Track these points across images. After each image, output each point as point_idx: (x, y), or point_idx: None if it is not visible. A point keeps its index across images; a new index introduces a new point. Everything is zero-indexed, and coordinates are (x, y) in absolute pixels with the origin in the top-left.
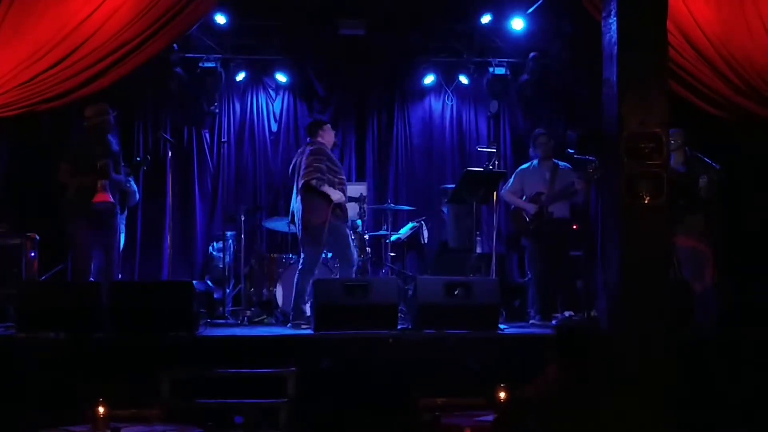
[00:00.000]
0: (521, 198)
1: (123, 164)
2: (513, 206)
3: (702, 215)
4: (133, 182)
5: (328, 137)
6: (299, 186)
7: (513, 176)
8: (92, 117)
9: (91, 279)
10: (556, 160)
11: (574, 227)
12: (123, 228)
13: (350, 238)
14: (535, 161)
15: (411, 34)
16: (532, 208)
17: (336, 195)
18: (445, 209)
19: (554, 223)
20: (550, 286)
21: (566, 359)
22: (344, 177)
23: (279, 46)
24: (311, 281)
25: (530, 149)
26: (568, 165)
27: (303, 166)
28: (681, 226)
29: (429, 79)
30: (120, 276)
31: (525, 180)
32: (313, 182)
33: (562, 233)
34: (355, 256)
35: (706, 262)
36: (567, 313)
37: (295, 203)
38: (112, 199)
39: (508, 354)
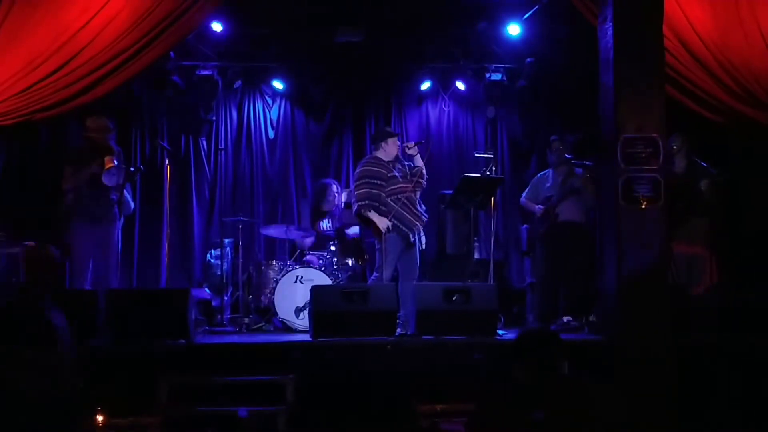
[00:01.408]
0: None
1: None
2: (528, 211)
3: (704, 219)
4: (126, 192)
5: (391, 149)
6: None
7: (530, 183)
8: (93, 130)
9: (88, 287)
10: (575, 168)
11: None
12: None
13: (394, 255)
14: (551, 167)
15: (407, 40)
16: (539, 209)
17: (382, 224)
18: (443, 215)
19: (560, 225)
20: (552, 290)
21: (528, 361)
22: (399, 185)
23: (275, 54)
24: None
25: (548, 155)
26: (581, 171)
27: (352, 189)
28: (683, 230)
29: (426, 85)
30: (117, 284)
31: (539, 185)
32: (362, 211)
33: (568, 237)
34: (387, 274)
35: (706, 267)
36: (566, 319)
37: None
38: (117, 163)
39: (506, 360)
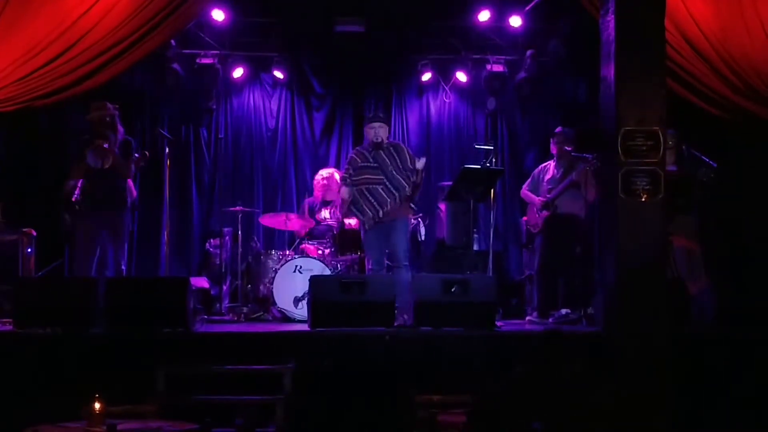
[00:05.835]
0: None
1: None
2: (528, 202)
3: (694, 216)
4: (128, 181)
5: (367, 134)
6: None
7: (531, 175)
8: (91, 112)
9: (93, 274)
10: (577, 161)
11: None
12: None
13: (370, 244)
14: (554, 159)
15: (408, 31)
16: (538, 201)
17: (343, 192)
18: (442, 206)
19: (559, 217)
20: (551, 282)
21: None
22: (364, 176)
23: (276, 43)
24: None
25: (552, 147)
26: (583, 164)
27: None
28: (673, 226)
29: (426, 77)
30: (126, 272)
31: (540, 177)
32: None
33: (566, 229)
34: (369, 264)
35: (701, 263)
36: (564, 311)
37: None
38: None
39: (504, 351)
